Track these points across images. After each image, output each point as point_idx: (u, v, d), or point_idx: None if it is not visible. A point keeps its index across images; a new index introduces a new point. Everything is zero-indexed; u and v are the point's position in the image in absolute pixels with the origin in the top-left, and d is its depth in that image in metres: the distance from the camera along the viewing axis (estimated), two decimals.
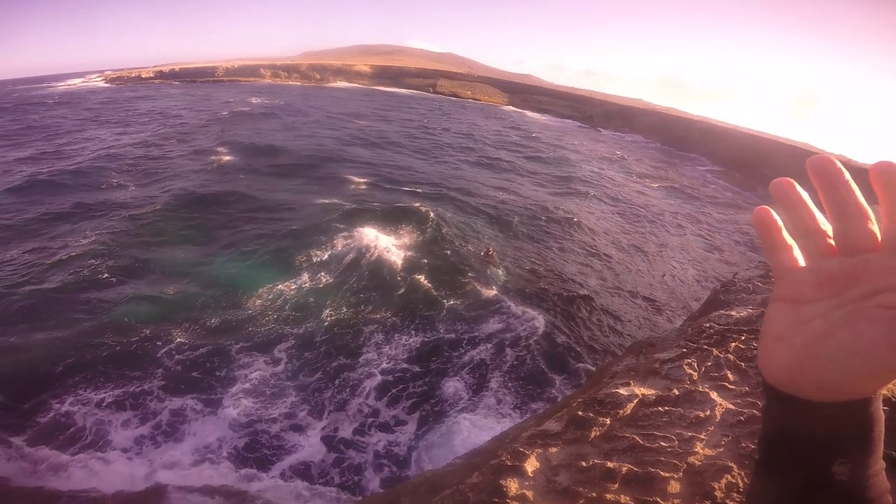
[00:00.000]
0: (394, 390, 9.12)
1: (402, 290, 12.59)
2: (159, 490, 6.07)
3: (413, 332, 10.89)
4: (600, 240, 18.26)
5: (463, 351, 10.37)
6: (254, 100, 53.09)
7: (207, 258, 13.84)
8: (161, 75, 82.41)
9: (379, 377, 9.42)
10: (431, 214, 17.33)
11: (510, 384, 9.39)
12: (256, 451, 7.65)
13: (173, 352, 9.68)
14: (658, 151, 47.95)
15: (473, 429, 8.12)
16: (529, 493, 2.09)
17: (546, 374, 9.77)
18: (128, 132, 32.17)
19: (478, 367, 9.85)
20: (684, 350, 3.46)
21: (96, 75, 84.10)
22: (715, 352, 3.37)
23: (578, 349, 10.62)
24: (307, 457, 7.64)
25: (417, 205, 18.27)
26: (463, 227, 16.93)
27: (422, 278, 13.14)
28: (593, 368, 9.25)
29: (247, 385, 9.00)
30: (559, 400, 8.03)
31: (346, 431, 8.17)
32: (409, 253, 14.54)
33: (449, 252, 14.81)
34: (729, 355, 3.37)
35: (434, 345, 10.53)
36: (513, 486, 2.15)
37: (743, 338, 3.63)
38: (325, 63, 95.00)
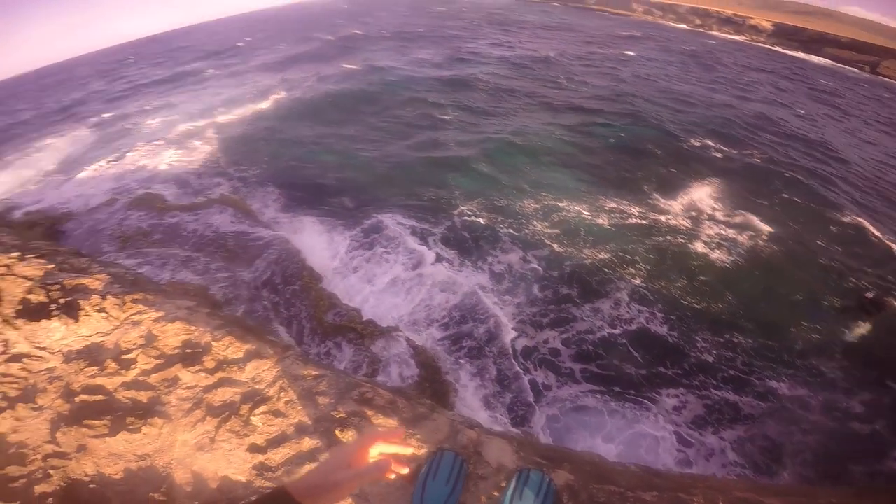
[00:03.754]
0: (595, 350, 8.01)
1: (697, 276, 10.18)
2: (391, 331, 7.49)
3: (676, 326, 8.72)
4: None
5: (729, 379, 7.73)
6: (627, 31, 50.53)
7: (551, 163, 15.30)
8: None
9: (592, 331, 8.40)
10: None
11: (758, 446, 6.65)
12: (463, 325, 8.36)
13: (463, 213, 11.78)
14: None
15: (653, 447, 6.48)
16: None
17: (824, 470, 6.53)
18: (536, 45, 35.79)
19: (731, 409, 7.16)
20: None
21: None
22: None
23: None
24: (488, 358, 7.78)
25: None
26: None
27: (734, 273, 10.29)
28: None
29: (494, 268, 9.97)
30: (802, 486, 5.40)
31: (519, 345, 7.98)
32: (750, 248, 11.38)
33: (808, 274, 10.76)
34: None
35: (693, 350, 8.18)
36: None
37: None
38: (709, 7, 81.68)
